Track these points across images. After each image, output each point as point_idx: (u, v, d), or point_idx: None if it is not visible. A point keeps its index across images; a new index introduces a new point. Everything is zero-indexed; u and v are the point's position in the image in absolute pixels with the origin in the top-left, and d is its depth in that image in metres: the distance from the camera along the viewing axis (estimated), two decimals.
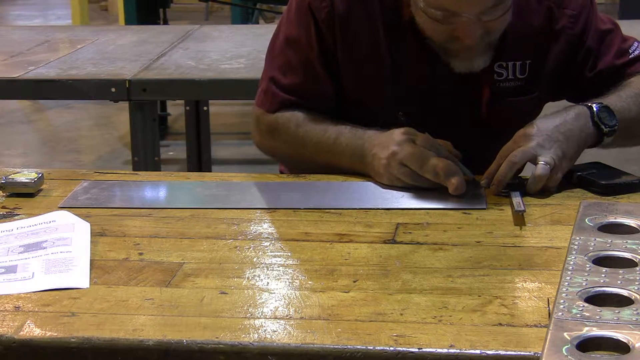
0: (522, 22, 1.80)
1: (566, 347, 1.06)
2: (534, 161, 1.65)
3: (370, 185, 1.72)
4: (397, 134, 1.70)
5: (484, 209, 1.60)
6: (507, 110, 1.83)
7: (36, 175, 1.73)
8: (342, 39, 1.81)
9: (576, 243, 1.35)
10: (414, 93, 1.83)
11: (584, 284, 1.21)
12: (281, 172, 2.02)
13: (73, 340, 1.19)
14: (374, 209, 1.61)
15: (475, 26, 1.66)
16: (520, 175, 1.70)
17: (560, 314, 1.13)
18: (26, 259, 1.42)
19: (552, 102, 1.94)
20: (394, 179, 1.68)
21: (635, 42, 1.89)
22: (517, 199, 1.60)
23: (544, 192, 1.66)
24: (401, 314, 1.23)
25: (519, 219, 1.55)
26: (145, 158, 3.27)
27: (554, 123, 1.69)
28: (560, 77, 1.87)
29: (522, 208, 1.56)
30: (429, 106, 1.83)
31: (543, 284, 1.31)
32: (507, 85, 1.83)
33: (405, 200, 1.64)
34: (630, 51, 1.87)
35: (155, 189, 1.78)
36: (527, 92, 1.85)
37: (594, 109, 1.72)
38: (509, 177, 1.65)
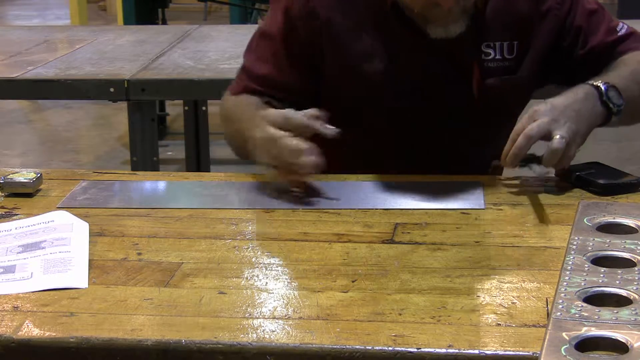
0: (509, 2, 1.82)
1: (565, 347, 1.06)
2: (548, 137, 1.65)
3: (369, 185, 1.72)
4: (260, 117, 1.67)
5: (483, 209, 1.60)
6: (496, 89, 1.84)
7: (35, 175, 1.73)
8: (322, 33, 1.82)
9: (575, 243, 1.35)
10: (404, 77, 1.83)
11: (582, 284, 1.21)
12: None
13: (72, 340, 1.19)
14: (372, 209, 1.61)
15: None
16: (532, 153, 1.70)
17: (558, 314, 1.13)
18: (25, 259, 1.42)
19: (541, 87, 1.94)
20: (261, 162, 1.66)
21: (621, 23, 1.91)
22: (537, 168, 1.60)
23: (558, 168, 1.66)
24: (400, 314, 1.23)
25: (542, 212, 1.56)
26: (144, 158, 3.27)
27: (566, 101, 1.70)
28: (549, 59, 1.88)
29: (546, 171, 1.57)
30: (419, 89, 1.84)
31: (542, 284, 1.31)
32: (495, 65, 1.84)
33: (403, 201, 1.65)
34: (617, 30, 1.89)
35: (154, 189, 1.78)
36: (516, 72, 1.85)
37: (602, 88, 1.73)
38: (526, 151, 1.65)
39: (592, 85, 1.74)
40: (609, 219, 1.45)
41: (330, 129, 1.62)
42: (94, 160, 5.22)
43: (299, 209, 1.62)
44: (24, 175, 1.73)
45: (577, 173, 1.70)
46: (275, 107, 1.77)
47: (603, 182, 1.66)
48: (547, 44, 1.86)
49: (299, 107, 1.78)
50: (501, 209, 1.60)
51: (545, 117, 1.65)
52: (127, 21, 5.39)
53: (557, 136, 1.63)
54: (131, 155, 3.33)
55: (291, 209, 1.62)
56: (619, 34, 1.88)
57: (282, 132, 1.60)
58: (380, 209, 1.61)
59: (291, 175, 1.63)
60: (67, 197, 1.70)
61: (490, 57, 1.83)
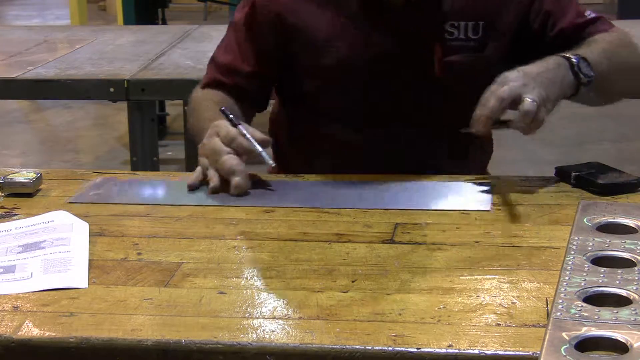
0: None
1: (565, 347, 1.06)
2: (518, 102, 1.63)
3: (370, 184, 1.72)
4: (213, 125, 1.73)
5: (487, 210, 1.60)
6: (458, 66, 1.84)
7: (35, 175, 1.73)
8: (288, 23, 1.87)
9: (574, 243, 1.35)
10: (367, 55, 1.85)
11: (582, 284, 1.21)
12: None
13: (71, 340, 1.19)
14: (372, 209, 1.61)
15: None
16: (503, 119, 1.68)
17: (558, 313, 1.13)
18: (25, 259, 1.42)
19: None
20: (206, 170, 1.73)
21: (588, 10, 1.92)
22: (513, 124, 1.61)
23: (528, 133, 1.63)
24: (400, 314, 1.23)
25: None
26: (144, 158, 3.28)
27: (537, 69, 1.69)
28: (517, 41, 1.88)
29: (520, 127, 1.59)
30: (384, 69, 1.85)
31: (541, 284, 1.31)
32: (458, 44, 1.84)
33: (405, 201, 1.64)
34: (585, 14, 1.89)
35: (168, 186, 1.78)
36: (480, 52, 1.86)
37: (573, 59, 1.73)
38: (498, 114, 1.63)
39: (563, 56, 1.74)
40: (609, 219, 1.45)
41: (269, 159, 1.69)
42: (94, 160, 5.22)
43: (299, 210, 1.62)
44: (23, 175, 1.73)
45: (577, 173, 1.70)
46: (239, 97, 1.89)
47: (603, 182, 1.66)
48: (514, 27, 1.87)
49: (261, 94, 1.93)
50: (501, 209, 1.60)
51: (517, 82, 1.65)
52: (127, 21, 5.39)
53: (528, 99, 1.62)
54: (131, 155, 3.34)
55: (291, 209, 1.62)
56: (587, 17, 1.89)
57: (226, 149, 1.69)
58: (381, 209, 1.61)
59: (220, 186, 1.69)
60: (79, 193, 1.71)
61: (453, 36, 1.84)
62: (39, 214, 1.59)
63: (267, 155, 1.69)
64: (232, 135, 1.69)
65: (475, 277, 1.34)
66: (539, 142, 4.91)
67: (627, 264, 1.29)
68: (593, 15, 1.90)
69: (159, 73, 3.03)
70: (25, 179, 1.72)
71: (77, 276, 1.36)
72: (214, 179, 1.69)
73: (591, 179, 1.68)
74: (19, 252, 1.44)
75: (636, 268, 1.26)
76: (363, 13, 1.84)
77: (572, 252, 1.32)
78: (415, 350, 1.14)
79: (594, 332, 1.09)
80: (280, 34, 1.88)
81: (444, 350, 1.14)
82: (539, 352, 1.06)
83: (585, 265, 1.27)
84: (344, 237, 1.50)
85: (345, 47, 1.85)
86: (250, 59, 1.91)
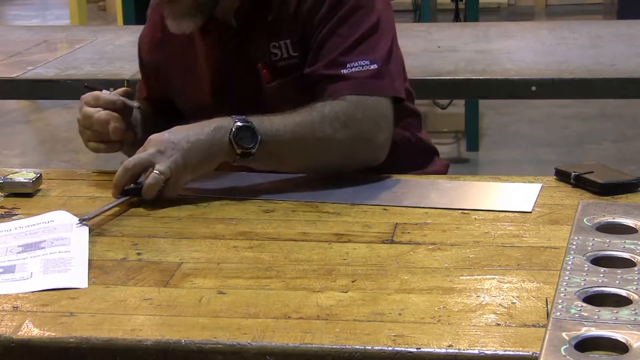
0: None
1: (564, 347, 1.06)
2: (150, 168, 1.64)
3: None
4: (81, 97, 1.84)
5: (529, 212, 1.59)
6: (288, 88, 1.80)
7: (34, 175, 1.73)
8: (150, 68, 2.04)
9: (574, 243, 1.35)
10: (201, 83, 1.89)
11: (582, 284, 1.21)
12: None
13: (71, 340, 1.19)
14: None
15: None
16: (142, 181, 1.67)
17: (558, 313, 1.13)
18: (24, 259, 1.42)
19: None
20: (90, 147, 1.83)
21: (364, 60, 1.74)
22: (114, 204, 1.63)
23: (166, 198, 1.64)
24: (399, 314, 1.23)
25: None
26: None
27: (186, 133, 1.66)
28: None
29: (87, 217, 1.55)
30: (232, 109, 1.77)
31: (541, 284, 1.31)
32: (284, 64, 1.80)
33: (438, 200, 1.65)
34: (347, 66, 1.73)
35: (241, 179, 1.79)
36: (303, 68, 1.80)
37: (234, 127, 1.65)
38: (124, 183, 1.65)
39: (232, 119, 1.67)
40: (609, 219, 1.44)
41: (132, 102, 1.84)
42: (93, 160, 5.22)
43: (299, 209, 1.62)
44: (23, 175, 1.73)
45: (577, 173, 1.70)
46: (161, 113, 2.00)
47: (603, 182, 1.66)
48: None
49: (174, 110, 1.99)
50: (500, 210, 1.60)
51: (153, 148, 1.65)
52: (127, 21, 5.38)
53: (155, 171, 1.62)
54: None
55: (291, 209, 1.62)
56: (343, 70, 1.73)
57: (95, 109, 1.79)
58: (410, 206, 1.61)
59: (105, 142, 1.80)
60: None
61: (278, 57, 1.80)
62: (39, 214, 1.59)
63: (129, 100, 1.83)
64: (94, 95, 1.81)
65: (475, 277, 1.34)
66: (539, 142, 4.91)
67: (627, 264, 1.29)
68: (353, 69, 1.73)
69: None
70: (25, 179, 1.72)
71: (77, 276, 1.36)
72: (103, 143, 1.79)
73: (591, 179, 1.68)
74: (19, 252, 1.44)
75: (636, 268, 1.26)
76: (199, 43, 1.87)
77: (572, 252, 1.32)
78: (415, 350, 1.14)
79: (594, 332, 1.09)
80: (146, 69, 2.04)
81: (444, 350, 1.14)
82: (539, 352, 1.06)
83: (585, 265, 1.27)
84: (343, 237, 1.50)
85: (192, 94, 1.92)
86: (150, 91, 2.05)
